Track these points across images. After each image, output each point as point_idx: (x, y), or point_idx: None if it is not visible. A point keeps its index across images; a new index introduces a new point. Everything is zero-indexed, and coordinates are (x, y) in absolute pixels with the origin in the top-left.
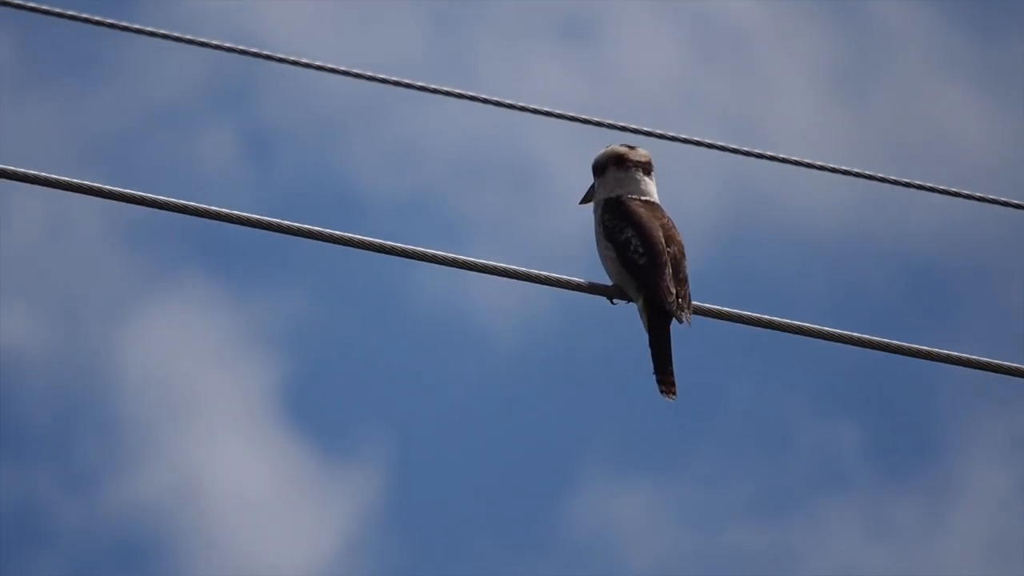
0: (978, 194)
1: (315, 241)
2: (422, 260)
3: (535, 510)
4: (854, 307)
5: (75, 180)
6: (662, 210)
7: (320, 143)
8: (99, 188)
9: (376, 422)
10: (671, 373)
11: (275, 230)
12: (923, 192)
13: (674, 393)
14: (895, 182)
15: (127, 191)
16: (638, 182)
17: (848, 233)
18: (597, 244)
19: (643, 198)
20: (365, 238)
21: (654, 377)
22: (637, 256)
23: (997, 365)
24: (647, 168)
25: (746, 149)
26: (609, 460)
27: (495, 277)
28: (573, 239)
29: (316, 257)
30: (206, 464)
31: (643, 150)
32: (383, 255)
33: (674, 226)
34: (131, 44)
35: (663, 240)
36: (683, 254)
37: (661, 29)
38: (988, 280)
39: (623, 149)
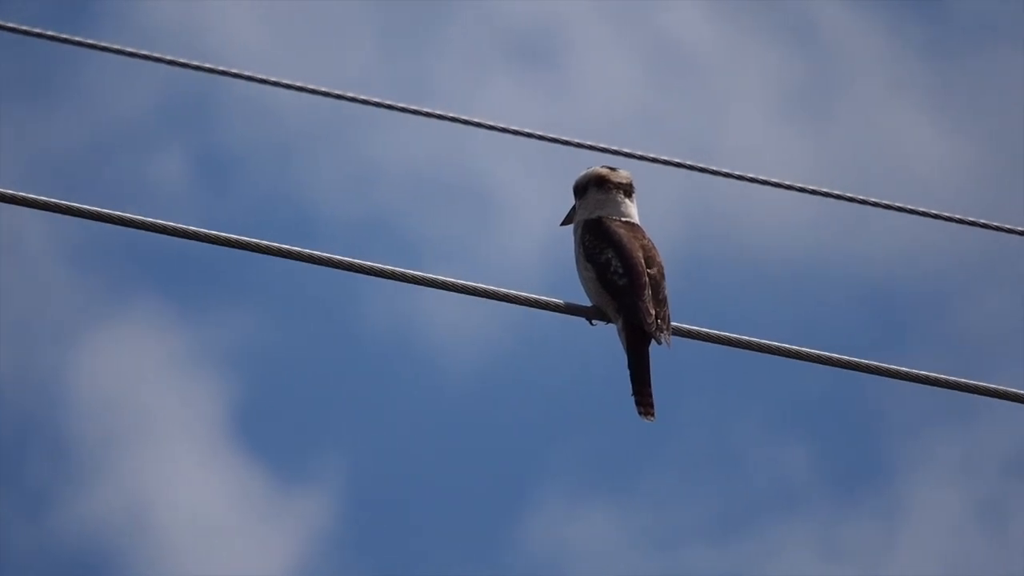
0: (933, 211)
1: (270, 258)
2: (394, 279)
3: (491, 532)
4: (810, 327)
5: (22, 194)
6: (643, 231)
7: (275, 164)
8: (53, 203)
9: (329, 443)
10: (650, 394)
11: (231, 245)
12: (879, 211)
13: (652, 414)
14: (851, 199)
15: (78, 205)
16: (619, 203)
17: (805, 253)
18: (577, 265)
19: (623, 219)
20: (334, 256)
21: (633, 398)
22: (617, 277)
23: (947, 381)
24: (628, 190)
25: (702, 165)
26: (566, 482)
27: (469, 296)
28: (528, 260)
29: (268, 278)
30: (158, 486)
31: (624, 172)
32: (342, 273)
33: (654, 247)
34: (86, 63)
35: (643, 261)
36: (663, 275)
37: (620, 51)
38: (943, 300)
39: (604, 170)
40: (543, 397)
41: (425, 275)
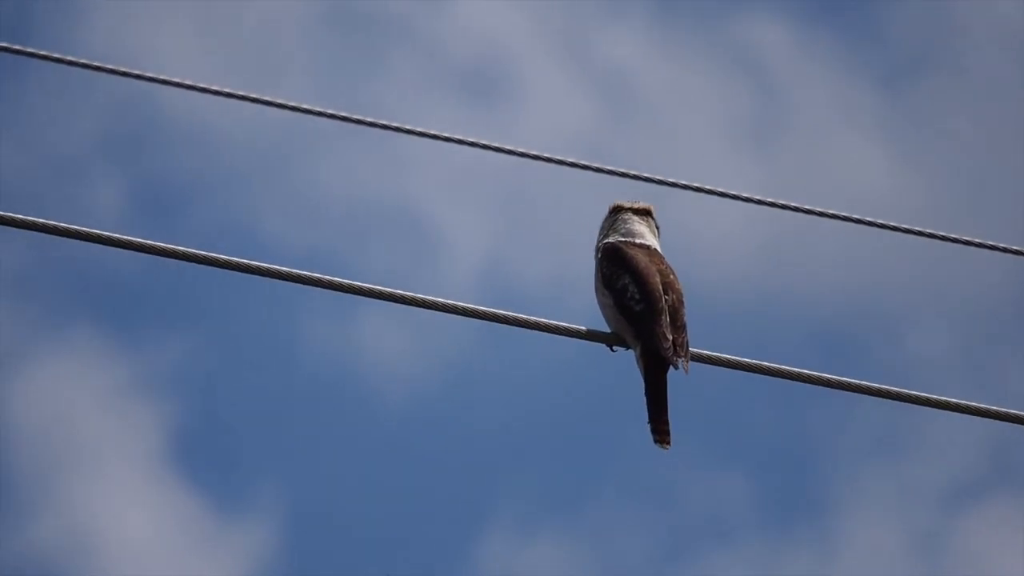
0: (881, 220)
1: (207, 283)
2: (404, 303)
3: (438, 560)
4: (758, 355)
5: None
6: (661, 257)
7: (215, 195)
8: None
9: (269, 469)
10: (666, 422)
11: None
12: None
13: (668, 442)
14: (807, 211)
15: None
16: (636, 229)
17: (752, 284)
18: (596, 292)
19: (641, 242)
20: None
21: (648, 426)
22: (634, 303)
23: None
24: (645, 215)
25: (659, 177)
26: (515, 509)
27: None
28: (466, 285)
29: (206, 304)
30: (98, 514)
31: (643, 201)
32: (281, 297)
33: (673, 273)
34: (25, 91)
35: (660, 287)
36: (681, 302)
37: (567, 84)
38: (890, 327)
39: (621, 200)
40: (489, 424)
41: (442, 301)
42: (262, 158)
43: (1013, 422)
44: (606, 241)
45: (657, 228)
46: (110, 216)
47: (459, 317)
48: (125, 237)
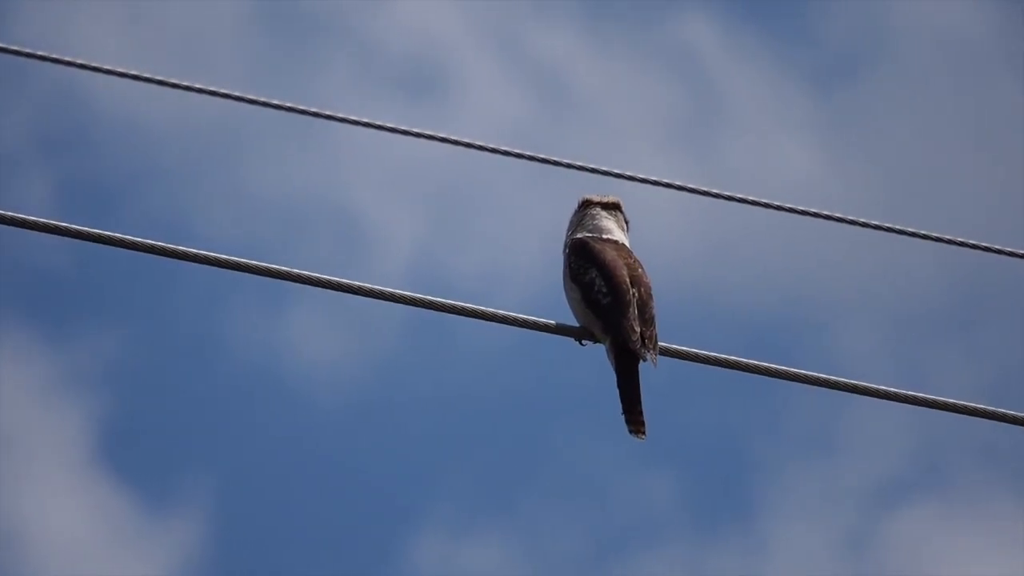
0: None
1: (133, 276)
2: (383, 299)
3: (372, 556)
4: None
5: None
6: (628, 251)
7: (148, 190)
8: None
9: (198, 464)
10: (640, 413)
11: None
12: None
13: (643, 432)
14: (741, 200)
15: None
16: (603, 223)
17: (682, 275)
18: (564, 286)
19: (608, 237)
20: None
21: (623, 417)
22: (601, 296)
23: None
24: (613, 209)
25: (604, 168)
26: (449, 508)
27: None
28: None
29: (132, 298)
30: (25, 510)
31: (612, 195)
32: (208, 289)
33: (641, 267)
34: None
35: (628, 280)
36: (650, 295)
37: (506, 82)
38: (820, 321)
39: (589, 193)
40: (419, 420)
41: (410, 295)
42: (194, 154)
43: (939, 408)
44: (574, 236)
45: (626, 222)
46: (39, 212)
47: (387, 309)
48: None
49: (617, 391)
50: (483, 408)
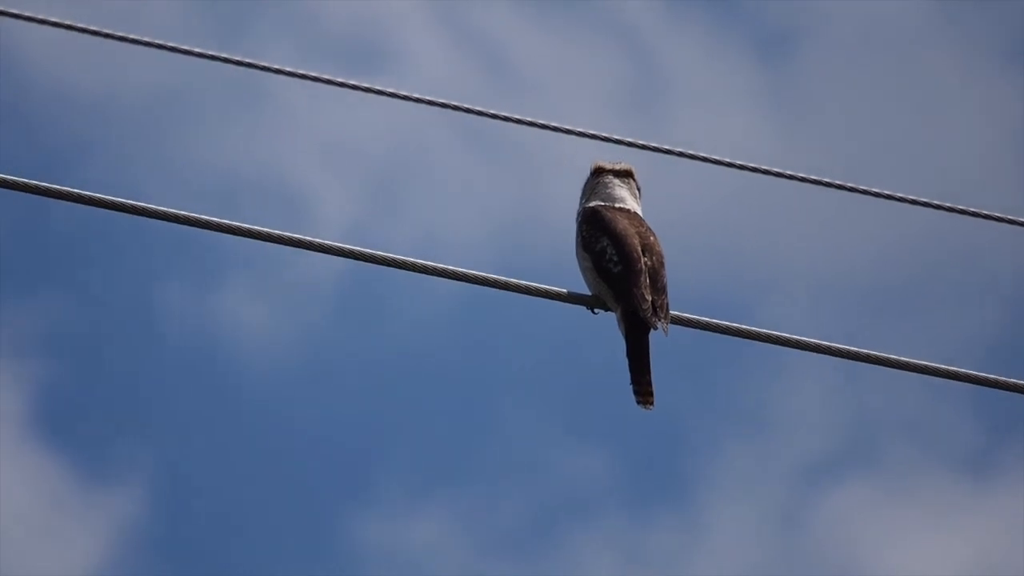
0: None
1: (73, 241)
2: (395, 266)
3: (317, 530)
4: None
5: None
6: (640, 219)
7: (84, 161)
8: None
9: (136, 436)
10: (649, 383)
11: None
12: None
13: (651, 403)
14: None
15: None
16: (615, 191)
17: None
18: (576, 255)
19: (620, 206)
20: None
21: (631, 387)
22: (612, 265)
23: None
24: (625, 177)
25: (540, 121)
26: (396, 481)
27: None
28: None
29: (70, 269)
30: None
31: (624, 162)
32: (146, 259)
33: (653, 235)
34: None
35: (639, 249)
36: (662, 264)
37: (451, 57)
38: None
39: (602, 161)
40: (359, 391)
41: (433, 264)
42: (130, 123)
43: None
44: (587, 205)
45: (638, 189)
46: None
47: (320, 286)
48: None
49: (627, 360)
50: (422, 379)
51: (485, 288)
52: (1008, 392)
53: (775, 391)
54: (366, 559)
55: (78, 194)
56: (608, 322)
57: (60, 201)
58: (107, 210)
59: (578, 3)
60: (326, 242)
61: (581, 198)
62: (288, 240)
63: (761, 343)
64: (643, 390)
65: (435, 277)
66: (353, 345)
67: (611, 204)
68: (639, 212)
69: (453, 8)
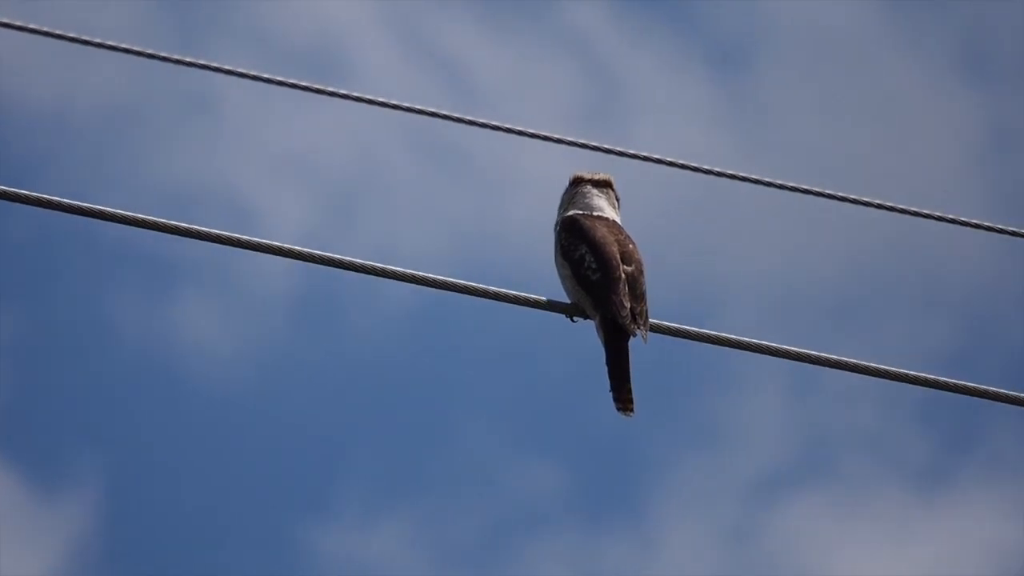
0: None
1: (24, 247)
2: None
3: (272, 539)
4: None
5: None
6: (619, 228)
7: (33, 175)
8: None
9: (86, 448)
10: (629, 390)
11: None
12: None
13: (631, 410)
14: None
15: None
16: (594, 201)
17: None
18: (555, 263)
19: (599, 214)
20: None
21: (611, 394)
22: (591, 272)
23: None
24: (604, 187)
25: (495, 123)
26: (356, 491)
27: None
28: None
29: (22, 278)
30: None
31: (603, 173)
32: (97, 267)
33: (633, 243)
34: None
35: (618, 256)
36: (641, 271)
37: (407, 71)
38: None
39: (581, 171)
40: (314, 403)
41: (406, 271)
42: (81, 136)
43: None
44: (565, 214)
45: (617, 199)
46: None
47: (274, 291)
48: None
49: (606, 368)
50: (377, 389)
51: (439, 298)
52: (963, 398)
53: (728, 403)
54: (322, 570)
55: (25, 195)
56: (567, 332)
57: (9, 208)
58: (60, 212)
59: (535, 17)
60: (285, 245)
61: (560, 208)
62: (243, 243)
63: (717, 352)
64: (623, 397)
65: (422, 285)
66: (307, 354)
67: (590, 213)
68: (618, 221)
69: (409, 21)
